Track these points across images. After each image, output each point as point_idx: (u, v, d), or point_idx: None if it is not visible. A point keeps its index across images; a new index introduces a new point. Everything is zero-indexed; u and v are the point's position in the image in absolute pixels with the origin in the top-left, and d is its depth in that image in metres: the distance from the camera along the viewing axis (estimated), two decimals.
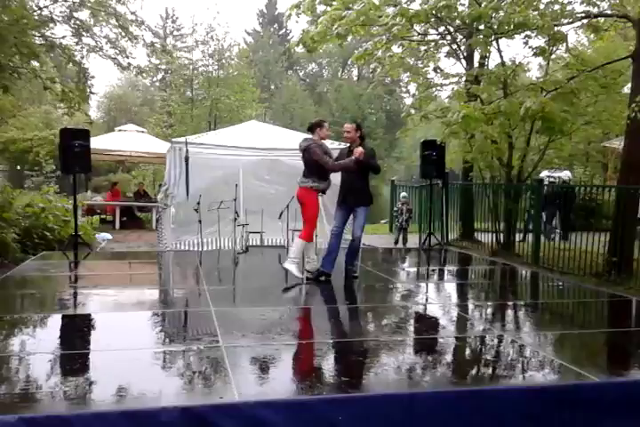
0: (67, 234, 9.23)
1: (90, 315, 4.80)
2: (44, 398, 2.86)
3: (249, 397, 2.74)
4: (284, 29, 51.40)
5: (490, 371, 3.56)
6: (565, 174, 12.71)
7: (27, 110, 26.09)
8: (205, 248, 9.23)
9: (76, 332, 4.42)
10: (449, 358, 3.84)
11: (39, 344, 3.88)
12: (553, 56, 10.04)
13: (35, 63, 9.93)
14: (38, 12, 10.14)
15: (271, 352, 3.66)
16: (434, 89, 11.02)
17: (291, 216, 9.46)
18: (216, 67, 23.78)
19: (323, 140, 6.25)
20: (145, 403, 2.80)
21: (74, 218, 8.89)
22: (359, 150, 5.90)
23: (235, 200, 9.02)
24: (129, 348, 3.87)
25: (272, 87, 48.44)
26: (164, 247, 9.34)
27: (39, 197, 10.23)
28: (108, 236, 11.29)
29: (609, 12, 8.63)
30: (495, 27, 8.58)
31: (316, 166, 6.01)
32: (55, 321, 4.65)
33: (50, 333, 4.36)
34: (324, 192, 6.26)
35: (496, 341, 4.21)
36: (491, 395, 3.02)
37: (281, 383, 3.06)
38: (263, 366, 3.44)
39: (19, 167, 23.24)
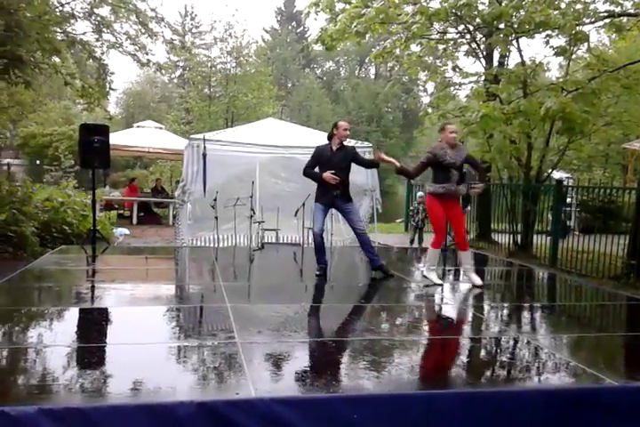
0: (85, 228, 9.33)
1: (106, 309, 4.85)
2: (61, 390, 2.89)
3: (265, 393, 2.75)
4: (301, 27, 51.40)
5: (506, 373, 3.53)
6: (559, 176, 12.54)
7: (47, 106, 26.40)
8: (221, 245, 9.28)
9: (93, 325, 4.46)
10: (464, 358, 3.81)
11: (56, 337, 3.92)
12: (574, 56, 9.93)
13: (56, 59, 10.04)
14: (60, 8, 10.25)
15: (287, 349, 3.66)
16: (452, 88, 10.97)
17: (306, 214, 9.49)
18: (234, 64, 23.87)
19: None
20: (161, 397, 2.82)
21: (92, 213, 8.98)
22: (330, 177, 6.05)
23: (251, 197, 9.05)
24: (145, 342, 3.90)
25: (289, 85, 48.50)
26: (180, 243, 9.41)
27: (58, 191, 10.36)
28: (125, 231, 11.39)
29: (632, 11, 8.52)
30: (516, 26, 8.53)
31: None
32: (72, 314, 4.70)
33: (67, 326, 4.41)
34: (444, 196, 5.89)
35: (512, 342, 4.17)
36: (507, 397, 3.00)
37: (296, 381, 3.06)
38: (279, 363, 3.45)
39: (38, 162, 23.54)
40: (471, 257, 6.23)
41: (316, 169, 6.30)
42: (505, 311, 5.35)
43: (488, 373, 3.53)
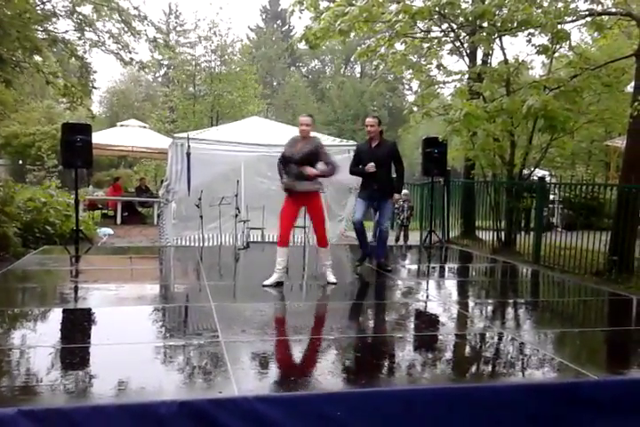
0: (68, 228, 9.24)
1: (90, 309, 4.81)
2: (43, 391, 2.86)
3: (248, 392, 2.75)
4: (287, 26, 51.26)
5: (489, 368, 3.56)
6: (541, 173, 12.65)
7: (29, 105, 26.08)
8: (206, 244, 9.25)
9: (77, 326, 4.43)
10: (448, 355, 3.84)
11: (40, 338, 3.89)
12: (556, 54, 10.00)
13: (37, 58, 9.94)
14: (41, 6, 10.14)
15: (271, 348, 3.67)
16: (436, 86, 10.99)
17: None
18: (218, 63, 23.76)
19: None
20: (144, 397, 2.81)
21: (75, 213, 8.90)
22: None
23: (236, 196, 9.03)
24: (129, 342, 3.88)
25: (274, 83, 48.38)
26: (165, 243, 9.36)
27: (41, 191, 10.25)
28: (109, 231, 11.31)
29: (613, 10, 8.60)
30: (498, 24, 8.56)
31: None
32: (56, 315, 4.66)
33: (50, 326, 4.37)
34: (290, 192, 5.74)
35: (496, 338, 4.21)
36: (490, 392, 3.03)
37: (280, 379, 3.07)
38: (262, 361, 3.45)
39: (21, 162, 23.26)
40: (329, 254, 5.93)
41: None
42: (489, 308, 5.40)
43: (471, 369, 3.56)
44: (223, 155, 9.71)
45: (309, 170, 5.49)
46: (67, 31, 10.40)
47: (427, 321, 4.74)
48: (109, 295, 5.23)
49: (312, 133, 5.86)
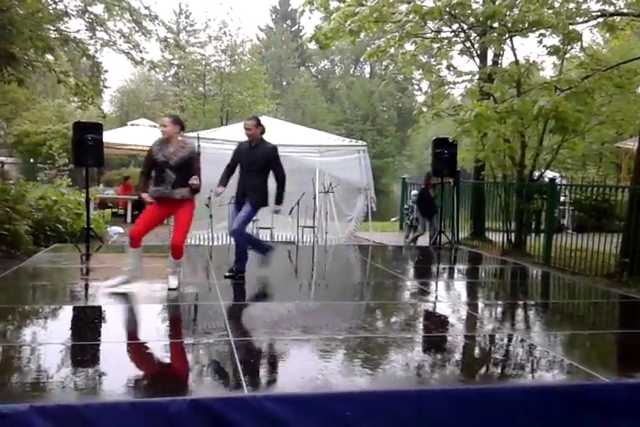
0: (79, 227, 9.29)
1: (100, 307, 4.84)
2: (54, 388, 2.89)
3: (258, 391, 2.76)
4: (296, 26, 51.30)
5: (499, 370, 3.55)
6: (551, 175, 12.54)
7: (40, 104, 26.25)
8: (216, 243, 9.27)
9: (87, 323, 4.46)
10: (457, 356, 3.83)
11: (50, 335, 3.92)
12: (567, 55, 9.96)
13: (49, 57, 10.00)
14: (53, 5, 10.20)
15: (280, 347, 3.67)
16: (446, 87, 10.97)
17: (301, 212, 9.50)
18: (228, 62, 23.84)
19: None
20: (154, 395, 2.83)
21: (86, 211, 8.95)
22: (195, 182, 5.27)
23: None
24: (139, 340, 3.91)
25: (284, 83, 48.42)
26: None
27: (52, 189, 10.32)
28: (119, 229, 11.35)
29: (625, 10, 8.55)
30: (509, 25, 8.53)
31: None
32: (66, 313, 4.70)
33: (61, 324, 4.40)
34: (161, 200, 5.34)
35: (505, 340, 4.19)
36: (499, 394, 3.02)
37: (289, 378, 3.07)
38: (272, 360, 3.46)
39: (32, 160, 23.41)
40: (178, 264, 5.42)
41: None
42: (498, 309, 5.38)
43: (480, 370, 3.55)
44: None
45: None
46: (78, 31, 10.46)
47: (436, 322, 4.73)
48: (119, 293, 5.25)
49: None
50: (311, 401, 2.68)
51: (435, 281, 6.85)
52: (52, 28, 9.83)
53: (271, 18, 51.82)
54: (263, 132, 6.00)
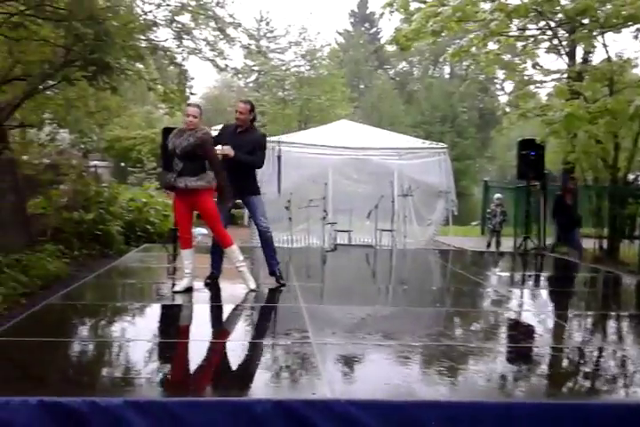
0: (166, 228, 9.68)
1: (186, 306, 5.00)
2: (144, 383, 3.01)
3: (341, 395, 2.74)
4: (374, 28, 51.20)
5: (589, 384, 3.36)
6: None
7: (130, 110, 27.64)
8: (295, 245, 9.39)
9: (173, 321, 4.64)
10: (545, 368, 3.66)
11: (139, 332, 4.09)
12: None
13: (139, 65, 10.49)
14: (144, 16, 10.69)
15: (362, 352, 3.65)
16: (532, 86, 10.57)
17: (379, 216, 9.45)
18: (307, 67, 24.11)
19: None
20: (238, 394, 2.89)
21: (173, 213, 9.31)
22: (226, 150, 5.17)
23: (324, 199, 9.12)
24: (222, 339, 4.01)
25: (361, 86, 48.42)
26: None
27: (141, 192, 10.83)
28: (203, 231, 11.71)
29: None
30: (601, 20, 8.10)
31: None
32: (154, 310, 4.90)
33: (149, 321, 4.59)
34: (174, 190, 5.13)
35: (596, 353, 3.96)
36: (592, 409, 2.84)
37: (373, 384, 3.03)
38: (354, 365, 3.44)
39: (122, 164, 24.69)
40: (237, 257, 5.25)
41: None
42: (589, 320, 5.09)
43: (571, 384, 3.37)
44: (312, 158, 9.84)
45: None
46: (166, 39, 10.87)
47: (520, 332, 4.54)
48: (204, 293, 5.42)
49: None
50: (396, 408, 2.63)
51: (520, 289, 6.59)
52: (142, 37, 10.29)
53: (349, 21, 52.00)
54: (254, 119, 5.59)
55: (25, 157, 9.04)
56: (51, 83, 8.59)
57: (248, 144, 5.35)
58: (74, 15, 7.10)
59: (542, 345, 4.10)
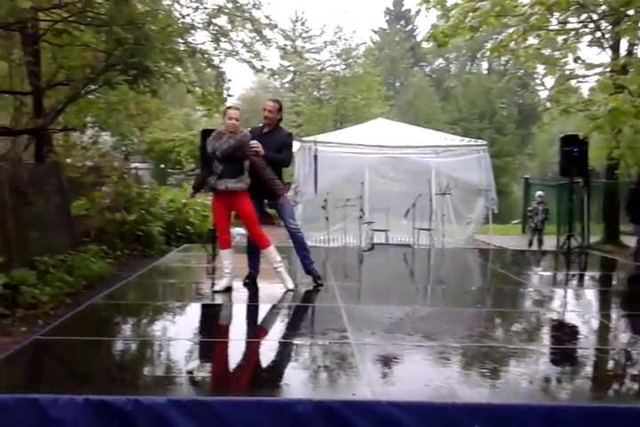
0: (205, 228, 9.82)
1: (225, 305, 5.05)
2: (187, 382, 3.05)
3: (381, 396, 2.72)
4: (410, 26, 50.77)
5: (637, 387, 3.26)
6: None
7: (170, 113, 28.14)
8: (331, 245, 9.38)
9: (213, 321, 4.69)
10: (590, 370, 3.55)
11: (180, 331, 4.14)
12: None
13: (178, 68, 10.66)
14: (182, 19, 10.86)
15: (401, 352, 3.61)
16: (574, 81, 10.30)
17: (417, 215, 9.36)
18: (343, 66, 24.08)
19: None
20: (278, 393, 2.90)
21: (212, 213, 9.43)
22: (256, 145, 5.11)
23: (360, 198, 9.08)
24: (261, 339, 4.04)
25: (397, 84, 48.09)
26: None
27: (181, 193, 11.01)
28: (241, 231, 11.82)
29: None
30: None
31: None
32: (194, 310, 4.96)
33: (189, 320, 4.65)
34: (215, 192, 5.22)
35: None
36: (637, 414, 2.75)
37: (413, 385, 3.00)
38: (394, 365, 3.41)
39: (162, 166, 25.17)
40: (274, 258, 5.28)
41: None
42: (635, 321, 4.92)
43: (617, 387, 3.26)
44: (348, 157, 9.81)
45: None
46: (204, 42, 11.03)
47: (563, 333, 4.42)
48: (242, 292, 5.47)
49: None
50: (438, 410, 2.60)
51: (563, 288, 6.42)
52: (180, 40, 10.46)
53: (385, 19, 51.70)
54: (281, 119, 5.61)
55: (69, 160, 9.31)
56: (92, 87, 8.81)
57: (276, 144, 5.40)
58: (114, 20, 7.26)
59: (587, 347, 3.99)
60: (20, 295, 5.26)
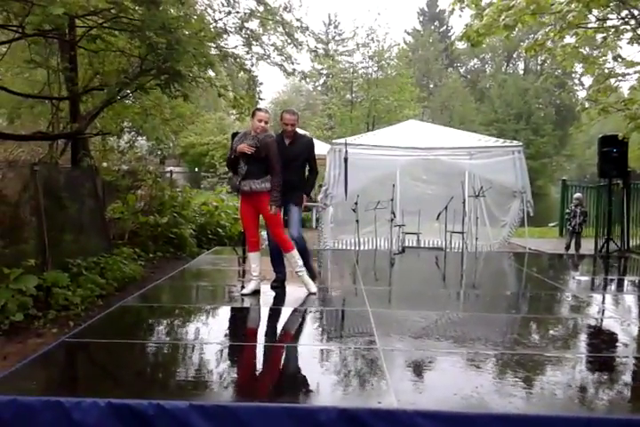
0: (236, 231, 9.88)
1: (253, 308, 5.04)
2: (211, 386, 3.03)
3: (407, 404, 2.65)
4: (444, 26, 50.33)
5: None
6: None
7: (203, 117, 28.50)
8: (362, 248, 9.30)
9: (243, 324, 4.67)
10: (629, 380, 3.39)
11: (209, 334, 4.15)
12: None
13: (210, 72, 10.75)
14: (214, 24, 10.95)
15: (430, 359, 3.52)
16: (614, 79, 9.97)
17: (449, 218, 9.19)
18: (375, 68, 23.97)
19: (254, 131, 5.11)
20: (303, 399, 2.85)
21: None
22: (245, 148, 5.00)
23: (391, 200, 8.98)
24: (289, 343, 4.00)
25: (431, 86, 47.67)
26: (323, 246, 9.58)
27: (213, 196, 11.11)
28: None
29: None
30: None
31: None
32: (224, 313, 4.96)
33: (219, 323, 4.65)
34: (240, 192, 5.26)
35: None
36: None
37: (441, 393, 2.91)
38: (422, 373, 3.33)
39: (196, 169, 25.51)
40: (296, 262, 5.23)
41: None
42: None
43: None
44: (379, 159, 9.72)
45: None
46: (236, 46, 11.08)
47: (601, 340, 4.24)
48: (270, 295, 5.44)
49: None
50: (466, 421, 2.51)
51: (602, 294, 6.21)
52: (212, 45, 10.54)
53: (418, 20, 51.36)
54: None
55: (105, 164, 9.47)
56: (127, 92, 8.95)
57: (302, 153, 5.48)
58: (147, 25, 7.34)
59: (626, 355, 3.82)
60: (53, 297, 5.35)
